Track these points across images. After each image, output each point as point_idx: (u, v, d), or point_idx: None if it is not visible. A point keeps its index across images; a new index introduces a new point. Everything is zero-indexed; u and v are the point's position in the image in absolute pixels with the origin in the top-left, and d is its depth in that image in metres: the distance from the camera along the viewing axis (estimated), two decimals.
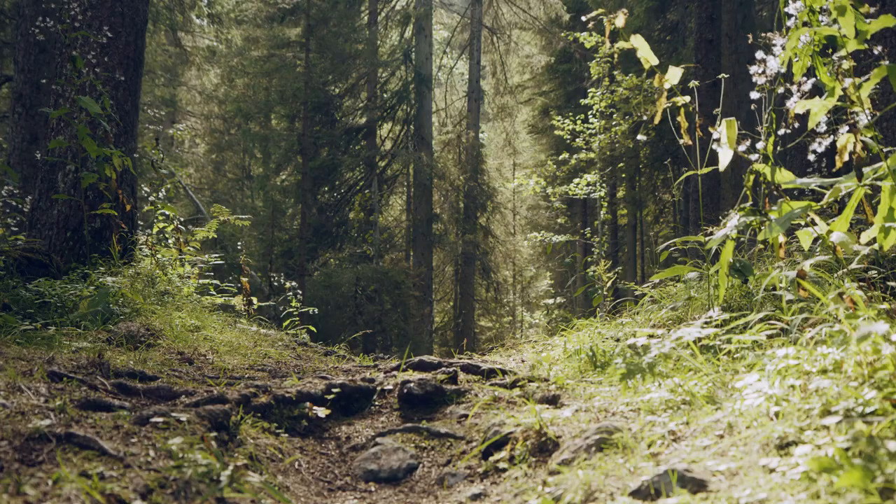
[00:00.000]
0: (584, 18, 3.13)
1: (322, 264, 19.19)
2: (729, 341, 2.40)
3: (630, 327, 3.57)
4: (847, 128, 2.34)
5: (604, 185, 10.47)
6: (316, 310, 8.41)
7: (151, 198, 6.17)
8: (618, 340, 3.37)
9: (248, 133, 19.03)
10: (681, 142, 2.96)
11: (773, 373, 1.79)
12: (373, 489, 2.14)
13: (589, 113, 10.69)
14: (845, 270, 2.37)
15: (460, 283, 20.78)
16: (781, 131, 2.57)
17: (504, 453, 2.09)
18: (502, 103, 23.09)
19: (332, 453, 2.40)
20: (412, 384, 2.76)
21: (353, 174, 19.62)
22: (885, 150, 2.27)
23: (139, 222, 6.02)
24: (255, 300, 6.71)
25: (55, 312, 4.01)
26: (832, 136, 2.40)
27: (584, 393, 2.54)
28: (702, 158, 3.32)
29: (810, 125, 2.36)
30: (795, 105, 2.41)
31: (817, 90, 2.44)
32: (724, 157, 2.73)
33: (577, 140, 11.07)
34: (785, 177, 2.58)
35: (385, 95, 20.00)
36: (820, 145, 2.40)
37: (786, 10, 2.39)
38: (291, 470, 2.19)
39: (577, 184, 10.39)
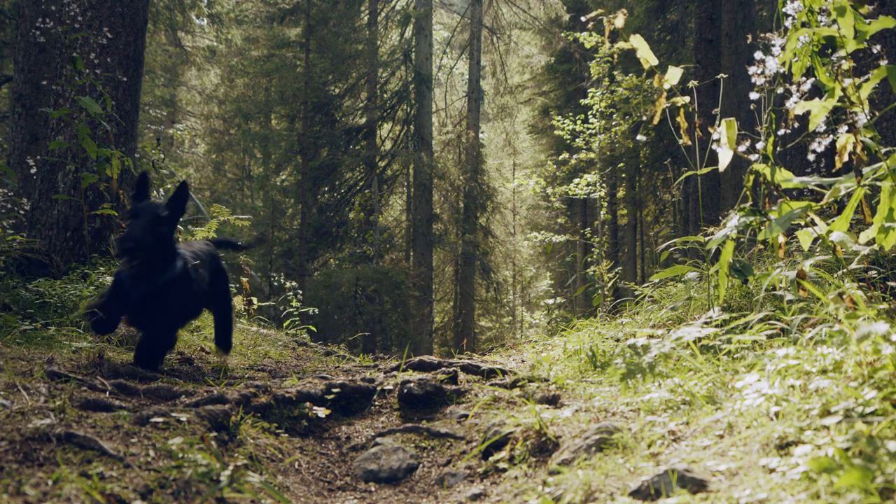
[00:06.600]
0: (583, 19, 3.13)
1: (322, 264, 19.20)
2: (729, 341, 2.40)
3: (630, 327, 3.58)
4: (846, 128, 2.34)
5: (604, 185, 10.47)
6: (316, 310, 8.42)
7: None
8: (618, 340, 3.38)
9: (248, 133, 19.03)
10: (680, 142, 2.96)
11: (773, 373, 1.79)
12: (373, 489, 2.14)
13: (589, 113, 10.68)
14: (845, 270, 2.37)
15: (460, 283, 20.78)
16: (781, 131, 2.57)
17: (504, 453, 2.09)
18: (502, 103, 23.09)
19: (332, 453, 2.40)
20: (412, 384, 2.76)
21: (353, 174, 19.62)
22: (884, 150, 2.27)
23: None
24: (255, 300, 6.72)
25: (55, 312, 4.01)
26: (832, 137, 2.40)
27: (584, 393, 2.54)
28: (702, 158, 3.33)
29: (811, 127, 2.36)
30: (795, 106, 2.41)
31: (817, 90, 2.44)
32: (724, 158, 2.73)
33: (577, 140, 11.07)
34: (785, 177, 2.58)
35: (385, 95, 20.00)
36: (820, 145, 2.40)
37: (784, 10, 2.39)
38: (291, 470, 2.19)
39: (577, 184, 10.39)
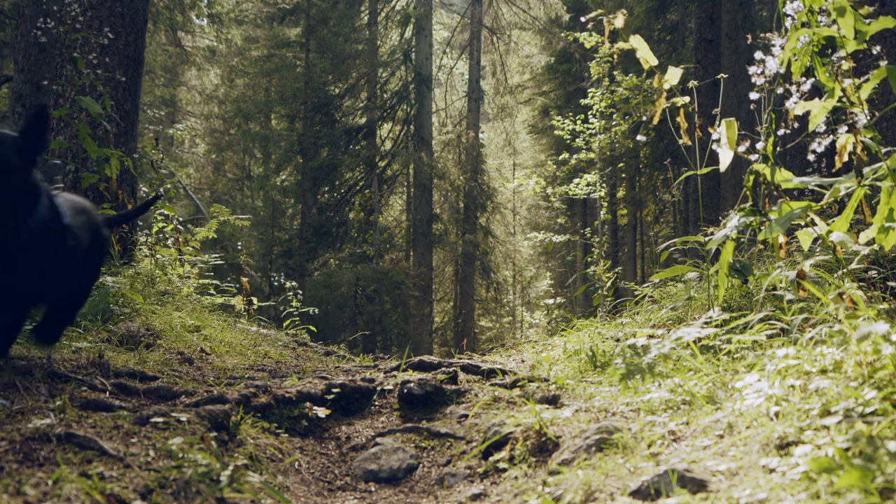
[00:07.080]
0: (583, 19, 3.14)
1: (322, 264, 19.20)
2: (729, 341, 2.40)
3: (630, 327, 3.58)
4: (846, 128, 2.34)
5: (604, 185, 10.47)
6: (316, 310, 8.42)
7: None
8: (618, 340, 3.38)
9: (248, 133, 19.03)
10: (680, 142, 2.97)
11: (773, 373, 1.79)
12: (373, 489, 2.14)
13: (589, 113, 10.69)
14: (845, 270, 2.37)
15: (460, 283, 20.79)
16: (781, 131, 2.57)
17: (504, 453, 2.09)
18: (502, 103, 23.09)
19: (332, 453, 2.40)
20: (412, 384, 2.76)
21: (353, 174, 19.62)
22: (884, 150, 2.27)
23: (139, 222, 6.03)
24: (255, 300, 6.71)
25: None
26: (832, 137, 2.40)
27: (584, 393, 2.54)
28: (702, 158, 3.33)
29: (811, 127, 2.36)
30: (795, 106, 2.41)
31: (816, 90, 2.45)
32: (725, 158, 2.73)
33: (577, 140, 11.07)
34: (785, 177, 2.58)
35: (385, 95, 20.01)
36: (820, 145, 2.40)
37: (784, 10, 2.39)
38: (291, 470, 2.19)
39: (577, 184, 10.39)
